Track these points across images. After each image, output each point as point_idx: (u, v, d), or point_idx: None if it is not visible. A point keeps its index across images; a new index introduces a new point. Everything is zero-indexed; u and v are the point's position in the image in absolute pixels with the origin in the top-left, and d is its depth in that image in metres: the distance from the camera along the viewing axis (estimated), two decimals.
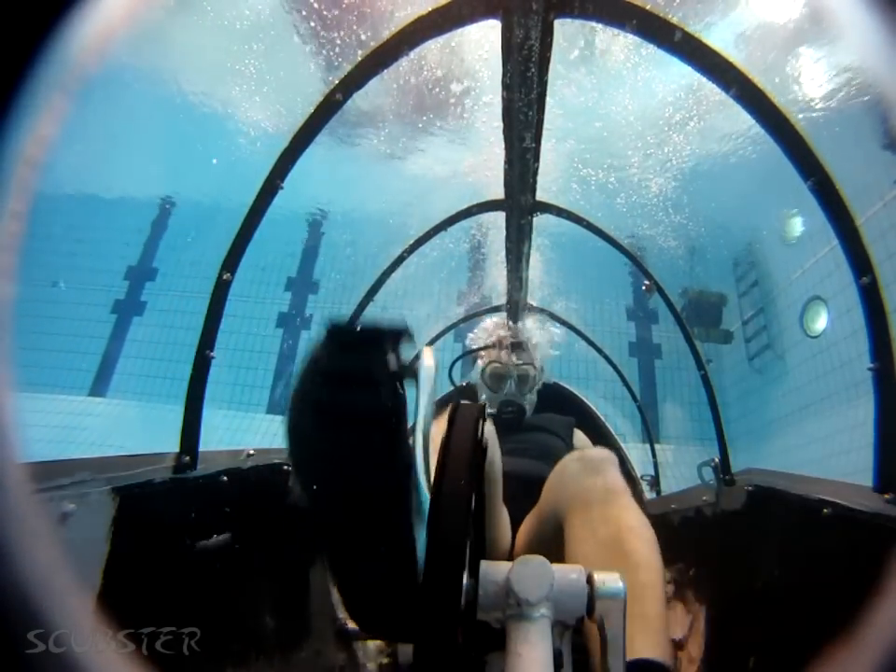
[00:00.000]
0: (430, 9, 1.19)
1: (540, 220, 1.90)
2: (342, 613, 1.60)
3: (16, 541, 0.33)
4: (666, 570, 1.77)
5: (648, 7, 1.16)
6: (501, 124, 1.35)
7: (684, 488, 2.07)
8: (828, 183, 1.18)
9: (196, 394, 1.27)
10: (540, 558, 0.67)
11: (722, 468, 1.72)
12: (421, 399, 0.67)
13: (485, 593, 0.65)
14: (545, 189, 1.73)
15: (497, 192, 1.74)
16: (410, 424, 0.66)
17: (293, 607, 1.48)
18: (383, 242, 2.72)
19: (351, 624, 1.59)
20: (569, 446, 2.15)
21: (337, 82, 1.33)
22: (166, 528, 1.09)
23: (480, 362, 2.39)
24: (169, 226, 10.08)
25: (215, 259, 1.33)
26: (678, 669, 1.54)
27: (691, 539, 1.80)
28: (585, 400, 3.07)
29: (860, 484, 1.16)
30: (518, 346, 2.32)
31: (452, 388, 2.70)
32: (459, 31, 1.22)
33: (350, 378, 0.62)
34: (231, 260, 1.33)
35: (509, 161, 1.48)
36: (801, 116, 5.38)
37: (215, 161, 7.34)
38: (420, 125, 6.55)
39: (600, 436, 2.77)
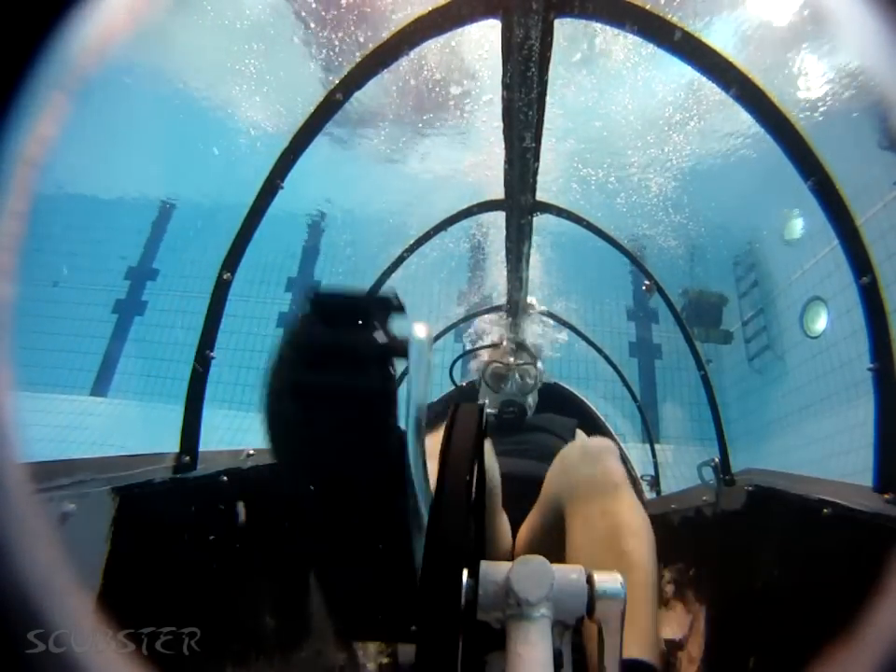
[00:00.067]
0: (430, 9, 1.19)
1: (540, 220, 1.90)
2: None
3: (16, 541, 0.33)
4: (666, 570, 1.78)
5: (648, 7, 1.16)
6: (501, 124, 1.35)
7: (684, 488, 2.07)
8: (828, 183, 1.18)
9: (196, 394, 1.27)
10: (540, 558, 0.67)
11: (722, 468, 1.72)
12: (413, 379, 0.59)
13: (485, 593, 0.65)
14: (545, 189, 1.73)
15: (497, 192, 1.74)
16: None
17: (293, 607, 1.48)
18: (383, 242, 2.72)
19: None
20: None
21: (337, 82, 1.33)
22: (166, 528, 1.09)
23: (478, 362, 2.39)
24: (169, 226, 10.09)
25: (215, 259, 1.33)
26: (672, 669, 1.54)
27: (691, 539, 1.80)
28: (585, 400, 3.07)
29: (860, 484, 1.16)
30: (519, 346, 2.33)
31: (452, 388, 2.70)
32: (459, 31, 1.22)
33: (332, 355, 0.55)
34: (231, 260, 1.33)
35: (509, 161, 1.48)
36: (800, 116, 5.38)
37: (216, 150, 7.31)
38: (420, 125, 6.55)
39: (600, 436, 2.77)
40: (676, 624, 1.65)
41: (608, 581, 0.67)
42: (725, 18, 4.79)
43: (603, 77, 5.44)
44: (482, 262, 7.46)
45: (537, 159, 1.48)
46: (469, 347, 2.67)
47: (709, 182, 7.06)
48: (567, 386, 3.08)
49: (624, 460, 2.68)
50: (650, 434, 3.69)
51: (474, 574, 0.66)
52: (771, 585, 1.26)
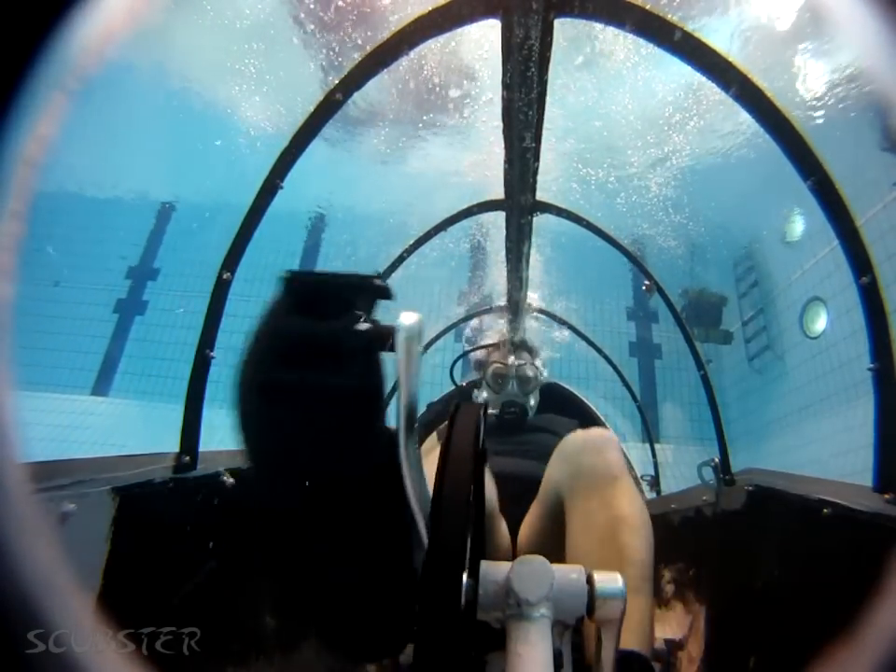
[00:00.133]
0: (430, 9, 1.19)
1: (540, 220, 1.90)
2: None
3: (16, 541, 0.33)
4: (666, 570, 1.78)
5: (647, 7, 1.16)
6: (501, 124, 1.35)
7: (684, 488, 2.07)
8: (827, 183, 1.18)
9: (196, 394, 1.27)
10: (540, 558, 0.67)
11: (722, 468, 1.72)
12: (401, 373, 0.53)
13: (485, 593, 0.65)
14: (545, 189, 1.73)
15: (497, 192, 1.74)
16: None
17: (292, 608, 1.48)
18: (383, 242, 2.72)
19: None
20: None
21: (337, 82, 1.33)
22: (166, 528, 1.09)
23: (479, 362, 2.39)
24: (170, 225, 10.09)
25: (216, 259, 1.33)
26: (672, 669, 1.54)
27: (691, 539, 1.80)
28: (585, 400, 3.07)
29: (860, 484, 1.17)
30: (520, 346, 2.32)
31: (453, 388, 2.70)
32: (459, 30, 1.22)
33: (307, 348, 0.49)
34: (231, 260, 1.33)
35: (509, 161, 1.48)
36: (800, 116, 5.38)
37: (218, 142, 7.30)
38: (420, 125, 6.55)
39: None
40: (676, 624, 1.65)
41: (607, 580, 0.67)
42: (725, 18, 4.79)
43: (603, 76, 5.44)
44: (482, 262, 7.46)
45: (537, 159, 1.48)
46: (468, 348, 2.67)
47: (709, 182, 7.06)
48: (567, 386, 3.08)
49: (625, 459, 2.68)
50: (649, 434, 3.69)
51: (474, 574, 0.66)
52: (771, 585, 1.26)
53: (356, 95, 1.34)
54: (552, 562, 0.67)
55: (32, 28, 0.36)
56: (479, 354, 2.45)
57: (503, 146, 1.42)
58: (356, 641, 0.63)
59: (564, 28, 1.11)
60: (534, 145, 1.38)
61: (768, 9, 4.85)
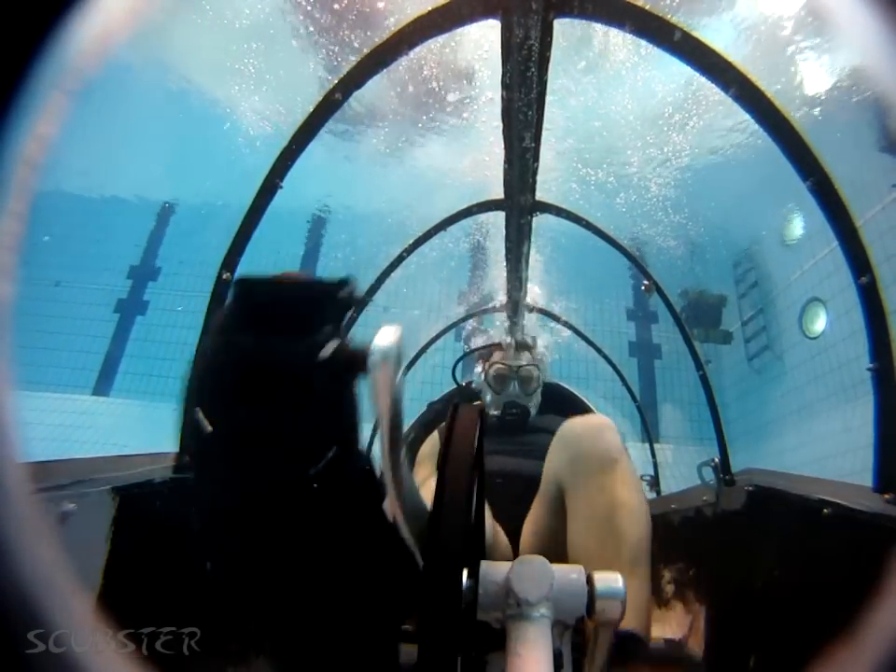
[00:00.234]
0: (430, 9, 1.19)
1: (540, 220, 1.90)
2: None
3: (16, 541, 0.33)
4: (666, 570, 1.78)
5: (647, 7, 1.16)
6: (501, 124, 1.35)
7: (684, 488, 2.07)
8: (827, 183, 1.18)
9: None
10: (540, 558, 0.67)
11: (722, 468, 1.72)
12: (380, 405, 0.43)
13: (485, 593, 0.65)
14: (545, 189, 1.73)
15: (497, 192, 1.74)
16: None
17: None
18: (382, 241, 2.72)
19: None
20: None
21: (336, 81, 1.33)
22: (166, 528, 1.09)
23: (481, 362, 2.38)
24: (171, 225, 10.10)
25: (217, 258, 1.33)
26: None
27: (691, 539, 1.80)
28: (585, 401, 3.07)
29: (860, 484, 1.17)
30: (521, 347, 2.32)
31: (453, 388, 2.70)
32: (459, 30, 1.22)
33: (267, 377, 0.40)
34: (231, 259, 1.33)
35: (508, 161, 1.48)
36: (799, 116, 5.38)
37: (218, 142, 7.29)
38: (420, 125, 6.55)
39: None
40: (676, 624, 1.65)
41: (607, 581, 0.67)
42: (725, 18, 4.79)
43: (603, 76, 5.44)
44: (481, 262, 7.46)
45: (536, 159, 1.48)
46: (468, 347, 2.67)
47: (709, 182, 7.06)
48: (568, 387, 3.08)
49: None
50: (649, 434, 3.69)
51: (474, 574, 0.66)
52: (771, 585, 1.26)
53: (355, 95, 1.34)
54: (555, 554, 0.67)
55: (32, 28, 0.35)
56: (480, 354, 2.44)
57: (503, 146, 1.42)
58: (307, 658, 0.57)
59: (565, 30, 1.11)
60: (533, 145, 1.38)
61: (768, 9, 4.85)
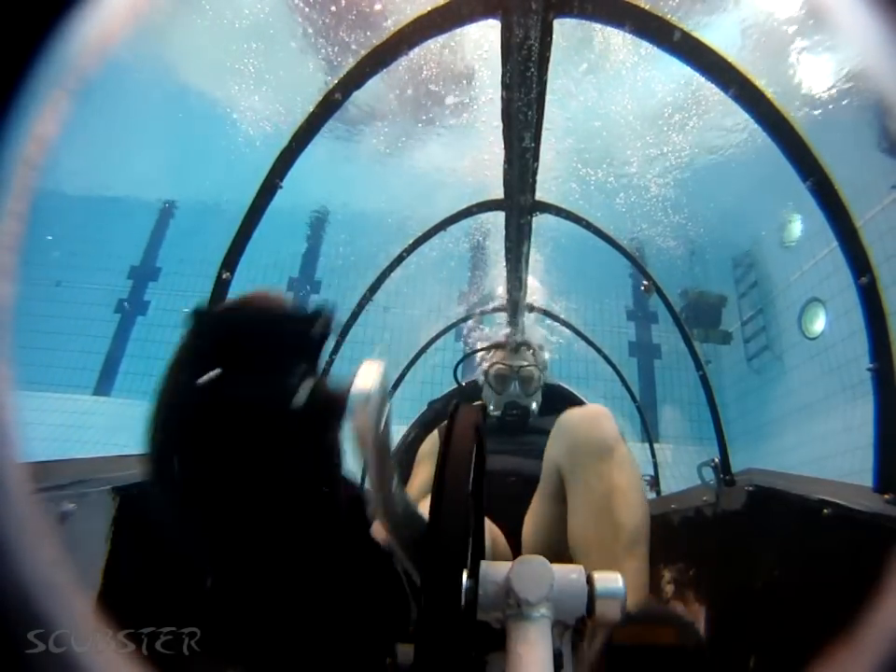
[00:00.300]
0: (430, 9, 1.19)
1: (540, 220, 1.90)
2: None
3: (16, 541, 0.33)
4: (666, 570, 1.77)
5: (647, 7, 1.16)
6: (501, 124, 1.35)
7: (684, 488, 2.07)
8: (827, 183, 1.18)
9: None
10: (540, 558, 0.67)
11: (722, 468, 1.72)
12: (365, 453, 0.38)
13: (485, 593, 0.65)
14: (545, 189, 1.73)
15: (497, 192, 1.74)
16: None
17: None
18: (383, 241, 2.72)
19: None
20: None
21: (336, 82, 1.33)
22: (166, 528, 1.08)
23: (482, 363, 2.39)
24: (171, 225, 10.10)
25: (217, 258, 1.34)
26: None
27: (691, 538, 1.80)
28: (586, 401, 3.07)
29: (860, 484, 1.17)
30: (522, 347, 2.32)
31: (454, 387, 2.70)
32: (459, 30, 1.22)
33: (234, 425, 0.34)
34: (231, 259, 1.33)
35: (508, 161, 1.48)
36: (799, 117, 5.38)
37: (218, 142, 7.28)
38: (420, 125, 6.55)
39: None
40: None
41: (607, 581, 0.67)
42: (725, 18, 4.79)
43: (603, 76, 5.44)
44: (481, 262, 7.46)
45: (536, 159, 1.48)
46: (468, 347, 2.67)
47: (709, 182, 7.06)
48: (567, 387, 3.08)
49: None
50: (649, 434, 3.68)
51: (474, 574, 0.66)
52: (771, 585, 1.26)
53: (355, 95, 1.34)
54: (556, 543, 0.67)
55: (32, 28, 0.35)
56: (482, 354, 2.45)
57: (503, 146, 1.42)
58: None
59: (563, 26, 1.11)
60: (533, 145, 1.38)
61: (768, 9, 4.86)
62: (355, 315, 2.26)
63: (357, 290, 2.29)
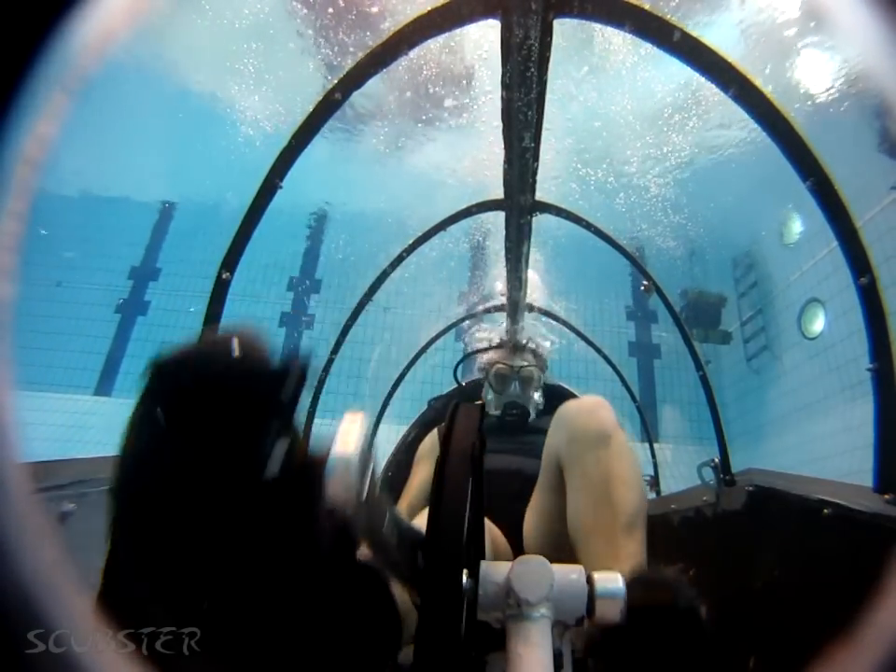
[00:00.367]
0: (430, 9, 1.19)
1: (540, 220, 1.90)
2: None
3: (16, 541, 0.33)
4: (666, 570, 1.77)
5: (647, 7, 1.16)
6: (501, 124, 1.35)
7: (684, 488, 2.07)
8: (827, 183, 1.18)
9: None
10: (540, 558, 0.67)
11: (722, 468, 1.72)
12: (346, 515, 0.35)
13: (485, 593, 0.65)
14: (545, 189, 1.73)
15: (497, 192, 1.74)
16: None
17: None
18: (383, 241, 2.72)
19: None
20: None
21: (336, 82, 1.33)
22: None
23: (482, 362, 2.38)
24: (171, 225, 10.10)
25: (218, 258, 1.34)
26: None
27: (691, 539, 1.80)
28: None
29: (860, 485, 1.17)
30: (522, 347, 2.32)
31: (455, 387, 2.70)
32: (459, 30, 1.22)
33: (202, 497, 0.30)
34: (231, 259, 1.33)
35: (508, 161, 1.48)
36: (799, 117, 5.37)
37: (218, 142, 7.28)
38: (420, 125, 6.55)
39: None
40: None
41: (607, 581, 0.67)
42: (725, 18, 4.79)
43: (603, 76, 5.44)
44: (481, 262, 7.46)
45: (536, 158, 1.48)
46: (468, 347, 2.67)
47: (708, 182, 7.06)
48: (569, 387, 3.08)
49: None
50: (649, 434, 3.68)
51: (474, 574, 0.66)
52: (771, 585, 1.26)
53: (355, 95, 1.34)
54: (557, 533, 0.67)
55: (32, 28, 0.35)
56: (482, 354, 2.44)
57: (503, 146, 1.42)
58: None
59: (563, 26, 1.11)
60: (533, 145, 1.38)
61: (768, 9, 4.85)
62: (355, 315, 2.26)
63: (357, 290, 2.30)
